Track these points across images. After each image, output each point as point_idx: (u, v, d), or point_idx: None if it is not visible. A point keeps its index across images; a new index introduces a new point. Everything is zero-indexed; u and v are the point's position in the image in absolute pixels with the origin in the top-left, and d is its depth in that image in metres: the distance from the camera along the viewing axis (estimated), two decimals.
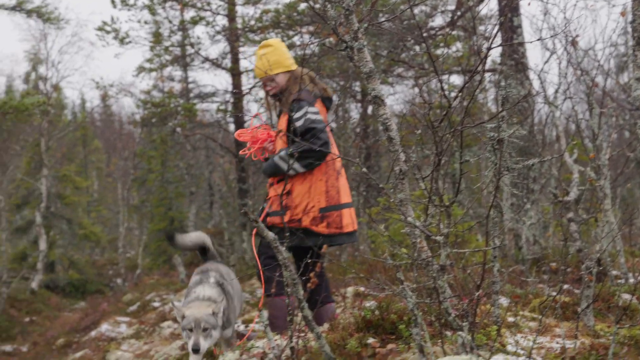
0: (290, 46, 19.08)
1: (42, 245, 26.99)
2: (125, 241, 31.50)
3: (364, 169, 5.01)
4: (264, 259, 6.92)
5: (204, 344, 5.42)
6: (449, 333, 4.94)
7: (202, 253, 6.87)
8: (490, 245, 4.75)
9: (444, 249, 4.50)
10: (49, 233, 27.61)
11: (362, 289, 9.43)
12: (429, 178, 4.81)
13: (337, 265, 13.02)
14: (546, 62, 9.92)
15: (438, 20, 24.85)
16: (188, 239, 6.93)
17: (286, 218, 6.90)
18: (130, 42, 21.28)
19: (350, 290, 9.44)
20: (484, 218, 4.59)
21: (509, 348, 4.58)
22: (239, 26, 21.11)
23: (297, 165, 6.75)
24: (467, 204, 13.70)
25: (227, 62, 21.79)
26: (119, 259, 30.47)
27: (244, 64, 27.56)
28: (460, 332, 4.13)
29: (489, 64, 18.05)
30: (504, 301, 6.91)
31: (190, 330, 5.46)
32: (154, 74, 23.61)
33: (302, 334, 5.44)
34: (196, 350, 5.41)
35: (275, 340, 5.80)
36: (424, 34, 17.25)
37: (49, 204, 27.82)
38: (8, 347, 18.31)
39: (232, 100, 21.82)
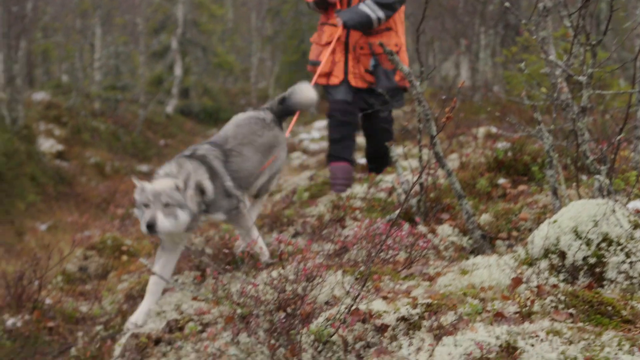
0: None
1: (178, 70, 27.59)
2: (258, 71, 31.83)
3: (507, 4, 4.78)
4: (335, 122, 7.04)
5: (164, 222, 4.35)
6: (584, 177, 4.80)
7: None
8: (636, 88, 4.50)
9: (587, 90, 4.29)
10: (185, 59, 28.13)
11: (494, 129, 9.27)
12: (575, 15, 4.56)
13: (470, 105, 12.81)
14: None
15: None
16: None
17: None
18: None
19: (481, 130, 9.29)
20: (630, 61, 4.34)
21: None
22: None
23: (381, 13, 6.71)
24: (612, 46, 13.06)
25: None
26: (251, 89, 30.92)
27: None
28: (597, 176, 3.99)
29: None
30: None
31: (146, 206, 4.39)
32: None
33: (432, 171, 5.41)
34: (151, 226, 4.31)
35: (405, 175, 5.80)
36: None
37: (185, 30, 28.19)
38: (144, 167, 19.11)
39: None
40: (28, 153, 15.15)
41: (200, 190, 4.59)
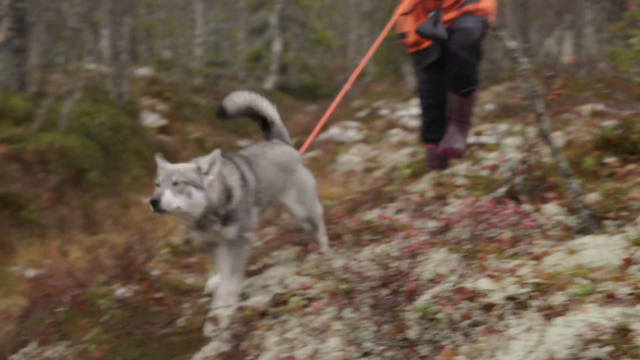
0: None
1: (277, 46, 27.82)
2: (355, 48, 31.80)
3: None
4: (425, 104, 6.89)
5: (170, 199, 4.07)
6: None
7: (264, 126, 5.22)
8: None
9: None
10: (283, 35, 28.33)
11: (599, 107, 9.04)
12: None
13: (574, 82, 12.52)
14: None
15: None
16: (235, 98, 5.06)
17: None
18: None
19: (586, 108, 9.08)
20: None
21: None
22: None
23: None
24: None
25: None
26: (349, 65, 30.92)
27: None
28: None
29: None
30: None
31: (158, 185, 4.15)
32: None
33: (536, 149, 5.32)
34: (155, 202, 4.04)
35: (508, 153, 5.72)
36: None
37: (284, 7, 28.36)
38: (244, 143, 19.38)
39: None
40: (133, 128, 15.54)
41: (228, 195, 4.38)
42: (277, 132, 5.17)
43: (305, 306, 4.01)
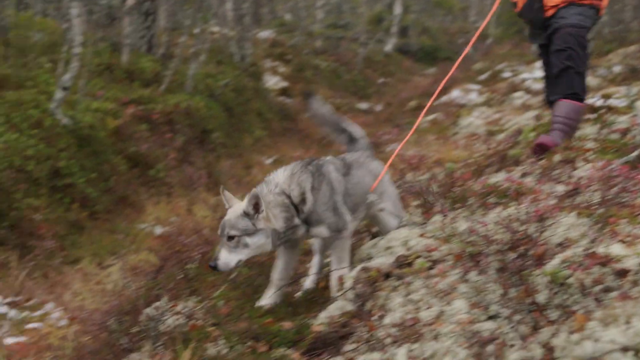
0: None
1: (397, 9, 27.57)
2: (477, 10, 31.18)
3: None
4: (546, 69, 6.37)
5: (227, 259, 4.21)
6: None
7: (349, 141, 5.19)
8: None
9: None
10: None
11: None
12: None
13: None
14: None
15: None
16: (323, 108, 5.23)
17: None
18: None
19: None
20: None
21: None
22: None
23: None
24: None
25: None
26: (470, 27, 30.37)
27: None
28: None
29: None
30: None
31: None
32: None
33: None
34: (213, 267, 4.23)
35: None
36: None
37: None
38: (364, 105, 19.38)
39: None
40: (255, 89, 15.77)
41: (303, 199, 4.43)
42: (364, 146, 5.14)
43: (430, 268, 4.00)
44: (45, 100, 10.28)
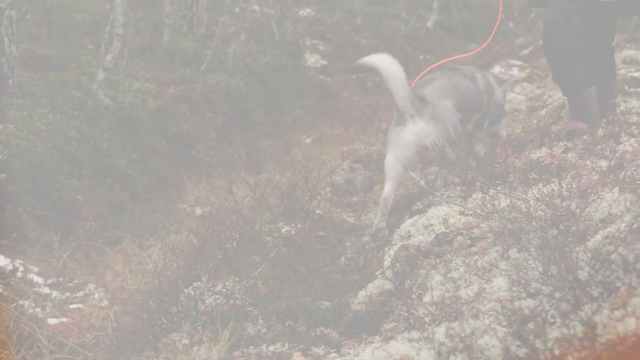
0: None
1: None
2: None
3: None
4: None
5: None
6: None
7: None
8: None
9: None
10: None
11: None
12: None
13: None
14: None
15: None
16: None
17: None
18: None
19: None
20: None
21: None
22: None
23: None
24: None
25: None
26: (513, 2, 29.99)
27: None
28: None
29: None
30: None
31: None
32: None
33: None
34: None
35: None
36: None
37: None
38: None
39: None
40: (295, 68, 15.72)
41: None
42: None
43: (470, 246, 3.96)
44: (87, 81, 10.33)
